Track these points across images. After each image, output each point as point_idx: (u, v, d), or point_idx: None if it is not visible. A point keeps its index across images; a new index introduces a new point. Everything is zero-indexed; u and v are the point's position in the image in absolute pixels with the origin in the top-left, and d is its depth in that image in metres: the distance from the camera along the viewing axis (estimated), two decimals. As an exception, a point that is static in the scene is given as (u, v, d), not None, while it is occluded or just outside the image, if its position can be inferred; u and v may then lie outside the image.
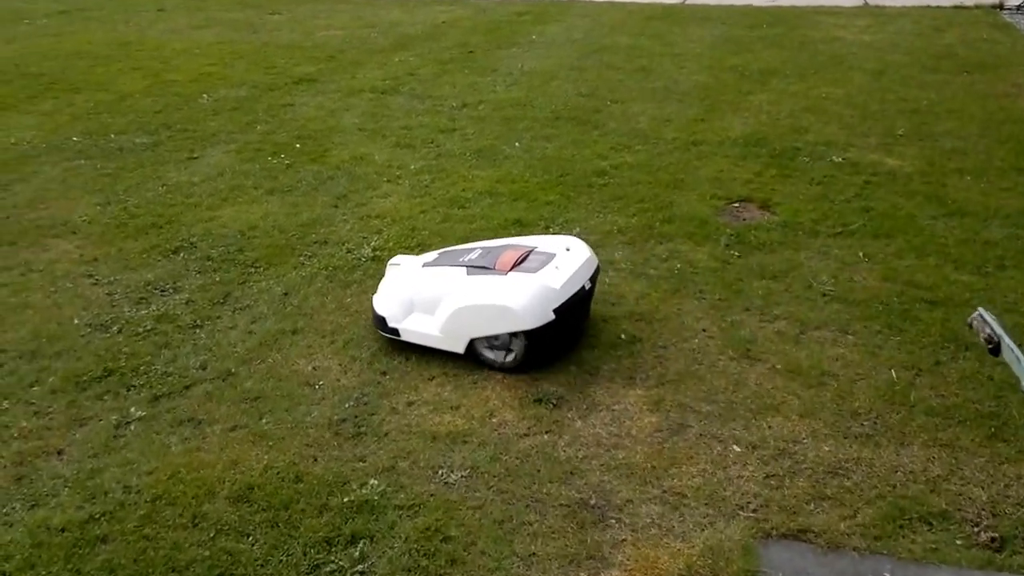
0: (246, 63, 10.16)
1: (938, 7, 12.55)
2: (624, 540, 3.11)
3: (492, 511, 3.22)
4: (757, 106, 7.92)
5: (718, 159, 6.61)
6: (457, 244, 4.68)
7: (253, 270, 5.02)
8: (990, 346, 2.73)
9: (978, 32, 10.83)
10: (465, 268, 4.15)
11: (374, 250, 5.20)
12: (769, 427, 3.66)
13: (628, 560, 3.03)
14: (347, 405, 3.82)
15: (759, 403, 3.81)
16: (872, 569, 2.99)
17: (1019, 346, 2.65)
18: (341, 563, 3.01)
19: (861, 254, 5.08)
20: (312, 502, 3.26)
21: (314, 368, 4.10)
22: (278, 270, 5.01)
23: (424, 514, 3.21)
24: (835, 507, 3.24)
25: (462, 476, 3.40)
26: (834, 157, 6.59)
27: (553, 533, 3.13)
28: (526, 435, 3.63)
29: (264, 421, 3.73)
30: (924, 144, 6.85)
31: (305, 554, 3.04)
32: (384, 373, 4.06)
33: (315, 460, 3.49)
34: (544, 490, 3.33)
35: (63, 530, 3.14)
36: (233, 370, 4.09)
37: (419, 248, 5.15)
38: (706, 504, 3.26)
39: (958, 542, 3.07)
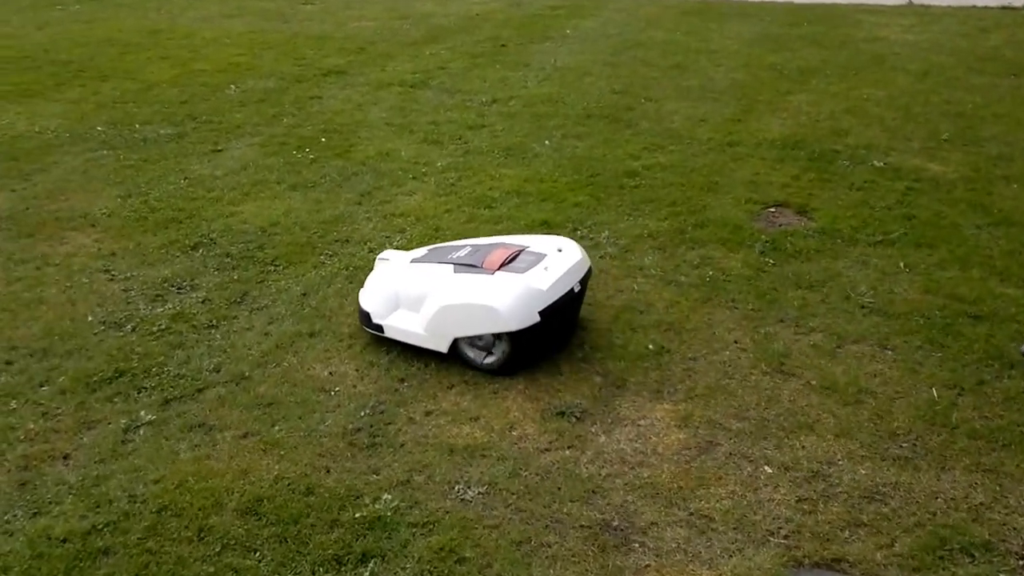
0: (275, 53, 10.07)
1: (985, 7, 12.21)
2: (648, 566, 2.95)
3: (510, 531, 3.07)
4: (796, 107, 7.70)
5: (754, 161, 6.41)
6: None
7: (272, 268, 4.90)
8: None
9: (1026, 33, 10.51)
10: (452, 266, 4.06)
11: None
12: (802, 447, 3.48)
13: (651, 589, 2.87)
14: (363, 413, 3.69)
15: (792, 421, 3.63)
16: (912, 607, 2.82)
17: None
18: (350, 584, 2.88)
19: (902, 264, 4.87)
20: (323, 517, 3.13)
21: (330, 373, 3.97)
22: (297, 269, 4.88)
23: (439, 532, 3.06)
24: (871, 535, 3.06)
25: (479, 492, 3.25)
26: (875, 161, 6.37)
27: (573, 556, 2.98)
28: (547, 450, 3.48)
29: (277, 428, 3.60)
30: (969, 149, 6.60)
31: (314, 573, 2.90)
32: (402, 380, 3.92)
33: (328, 471, 3.36)
34: (565, 510, 3.17)
35: (64, 541, 3.03)
36: (247, 373, 3.97)
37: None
38: (735, 529, 3.09)
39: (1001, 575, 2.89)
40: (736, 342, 4.18)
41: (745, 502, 3.20)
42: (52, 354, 4.13)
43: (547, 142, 6.92)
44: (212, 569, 2.91)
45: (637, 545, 3.02)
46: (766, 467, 3.38)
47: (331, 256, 5.04)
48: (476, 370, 3.95)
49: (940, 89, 8.16)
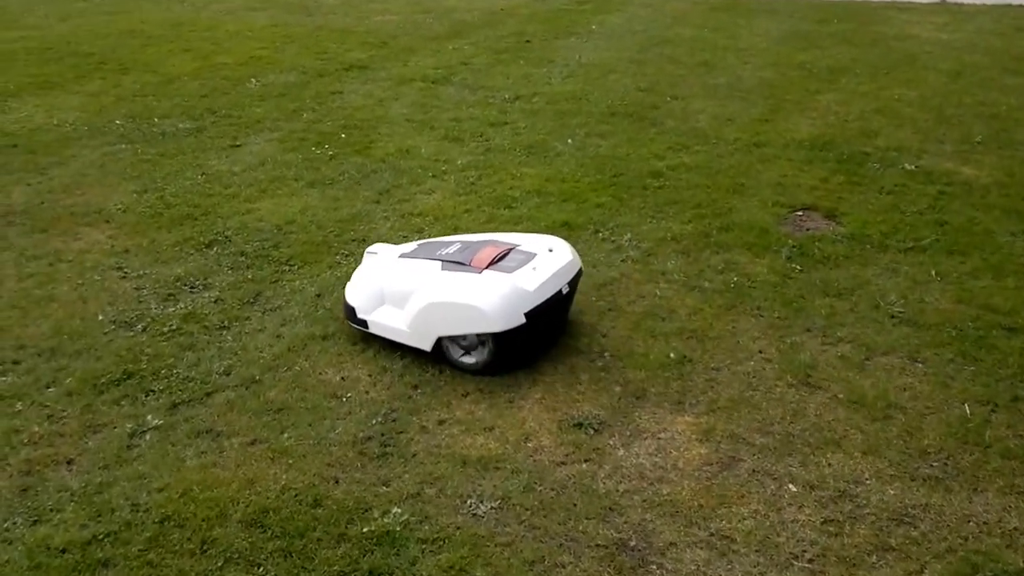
0: (297, 47, 10.00)
1: (1020, 5, 11.94)
2: (665, 590, 2.83)
3: (523, 549, 2.96)
4: (825, 106, 7.53)
5: (782, 163, 6.25)
6: None
7: (287, 268, 4.81)
8: None
9: (1063, 32, 10.25)
10: (440, 263, 3.98)
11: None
12: (829, 464, 3.34)
13: (669, 615, 2.75)
14: (374, 421, 3.59)
15: (818, 437, 3.49)
16: (943, 640, 2.68)
17: None
18: (356, 602, 2.78)
19: (933, 272, 4.71)
20: (330, 531, 3.03)
21: (342, 378, 3.87)
22: (312, 269, 4.79)
23: (449, 550, 2.95)
24: (900, 560, 2.92)
25: (492, 507, 3.14)
26: (906, 164, 6.19)
27: (588, 578, 2.87)
28: (563, 463, 3.36)
29: (286, 436, 3.50)
30: (1004, 153, 6.41)
31: (318, 589, 2.81)
32: (416, 387, 3.81)
33: (336, 482, 3.26)
34: (580, 527, 3.05)
35: (64, 551, 2.95)
36: (258, 377, 3.88)
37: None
38: (757, 551, 2.96)
39: (1038, 608, 2.74)
40: (761, 352, 4.04)
41: (768, 522, 3.07)
42: (60, 354, 4.06)
43: (570, 140, 6.79)
44: (214, 584, 2.83)
45: (655, 567, 2.90)
46: (790, 485, 3.24)
47: (347, 256, 4.94)
48: (461, 370, 3.89)
49: (974, 90, 7.95)
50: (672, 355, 4.01)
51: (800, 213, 5.46)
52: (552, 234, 5.07)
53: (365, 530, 3.02)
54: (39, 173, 6.19)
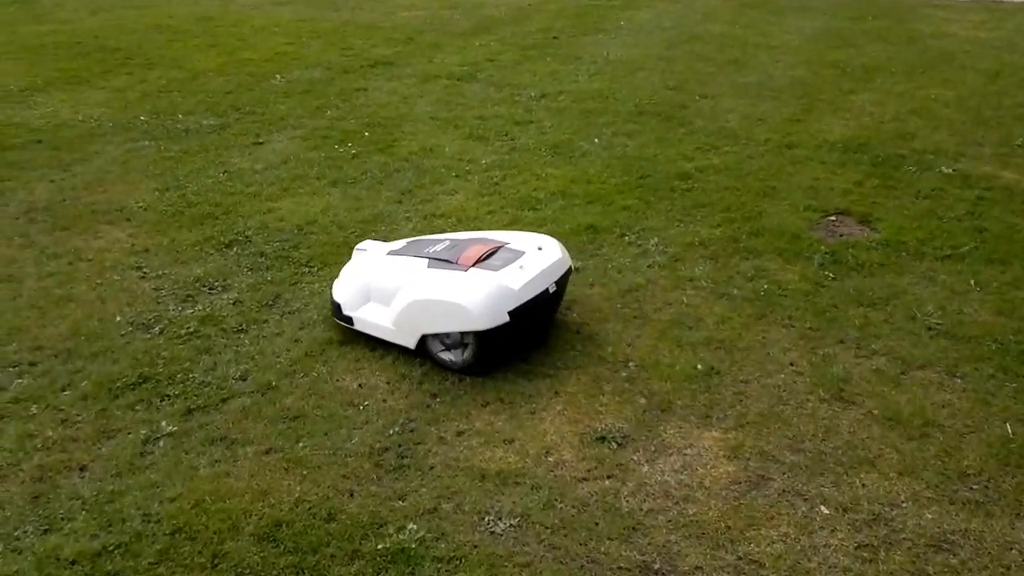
0: (323, 43, 9.93)
1: (1061, 2, 11.65)
2: (690, 616, 2.72)
3: (542, 571, 2.85)
4: (859, 107, 7.35)
5: (814, 165, 6.09)
6: None
7: (307, 270, 4.73)
8: None
9: (1107, 31, 9.97)
10: (427, 260, 3.96)
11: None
12: (863, 485, 3.21)
13: (693, 644, 2.64)
14: (391, 431, 3.49)
15: (852, 455, 3.35)
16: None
17: None
18: (368, 623, 2.69)
19: (972, 282, 4.55)
20: (343, 546, 2.94)
21: (360, 385, 3.78)
22: (333, 271, 4.69)
23: (465, 570, 2.85)
24: (938, 589, 2.79)
25: (511, 525, 3.03)
26: (943, 168, 6.02)
27: (609, 601, 2.76)
28: (585, 479, 3.25)
29: (301, 445, 3.42)
30: (1046, 156, 6.21)
31: (330, 608, 2.73)
32: (434, 395, 3.72)
33: (351, 495, 3.17)
34: (602, 548, 2.94)
35: (73, 563, 2.88)
36: (274, 383, 3.80)
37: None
38: (787, 576, 2.84)
39: (1085, 646, 2.61)
40: (792, 364, 3.90)
41: (799, 547, 2.95)
42: (77, 356, 4.00)
43: (596, 140, 6.66)
44: (224, 601, 2.75)
45: (679, 591, 2.79)
46: (822, 507, 3.11)
47: (367, 258, 4.85)
48: (445, 369, 3.84)
49: (1013, 91, 7.74)
50: (699, 366, 3.88)
51: (833, 218, 5.31)
52: (577, 238, 4.98)
53: (380, 547, 2.93)
54: (62, 170, 6.15)
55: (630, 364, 3.91)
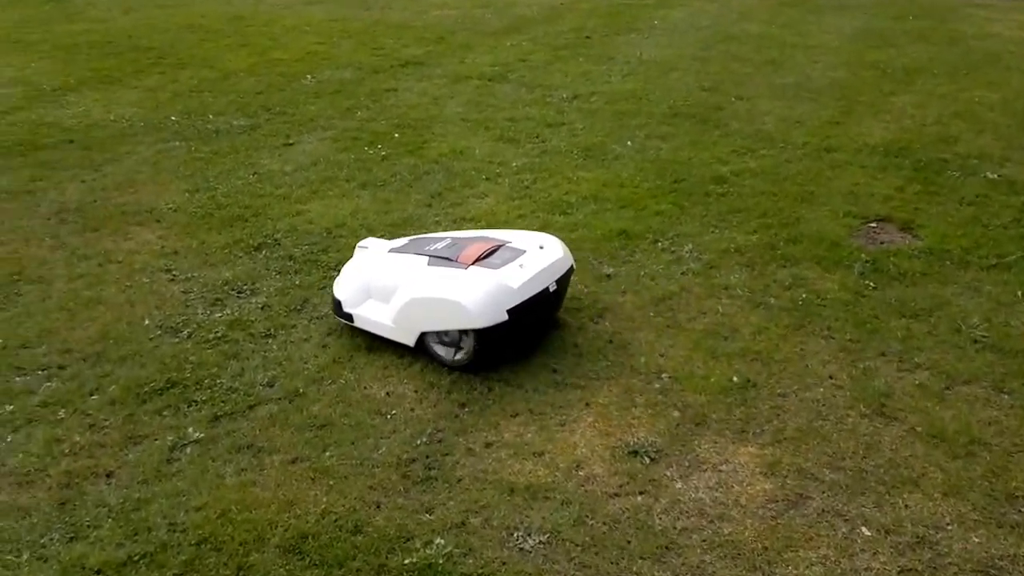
0: (354, 43, 9.90)
1: (1108, 1, 11.36)
2: (725, 641, 2.63)
3: (572, 590, 2.78)
4: (900, 109, 7.18)
5: (854, 169, 5.95)
6: None
7: (335, 274, 4.66)
8: None
9: None
10: (427, 258, 3.97)
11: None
12: (906, 506, 3.09)
13: (729, 671, 2.55)
14: (419, 442, 3.43)
15: (894, 474, 3.24)
16: None
17: None
18: (394, 642, 2.62)
19: (1020, 293, 4.40)
20: (369, 560, 2.88)
21: (388, 394, 3.72)
22: (361, 275, 4.65)
23: (493, 588, 2.79)
24: (984, 616, 2.68)
25: (540, 542, 2.96)
26: (988, 173, 5.85)
27: (641, 624, 2.67)
28: (616, 495, 3.16)
29: (328, 454, 3.36)
30: (1094, 162, 6.03)
31: (355, 626, 2.66)
32: (463, 405, 3.65)
33: (378, 507, 3.10)
34: (634, 568, 2.86)
35: (98, 572, 2.84)
36: (302, 390, 3.74)
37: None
38: (826, 601, 2.74)
39: None
40: (831, 377, 3.79)
41: (839, 570, 2.84)
42: (105, 359, 3.97)
43: (629, 143, 6.56)
44: (247, 616, 2.69)
45: (714, 615, 2.70)
46: (863, 528, 3.00)
47: (397, 262, 4.79)
48: (445, 366, 3.82)
49: (1060, 93, 7.54)
50: (735, 378, 3.78)
51: (874, 225, 5.17)
52: (609, 244, 4.89)
53: (407, 561, 2.87)
54: (94, 170, 6.15)
55: (663, 375, 3.81)
